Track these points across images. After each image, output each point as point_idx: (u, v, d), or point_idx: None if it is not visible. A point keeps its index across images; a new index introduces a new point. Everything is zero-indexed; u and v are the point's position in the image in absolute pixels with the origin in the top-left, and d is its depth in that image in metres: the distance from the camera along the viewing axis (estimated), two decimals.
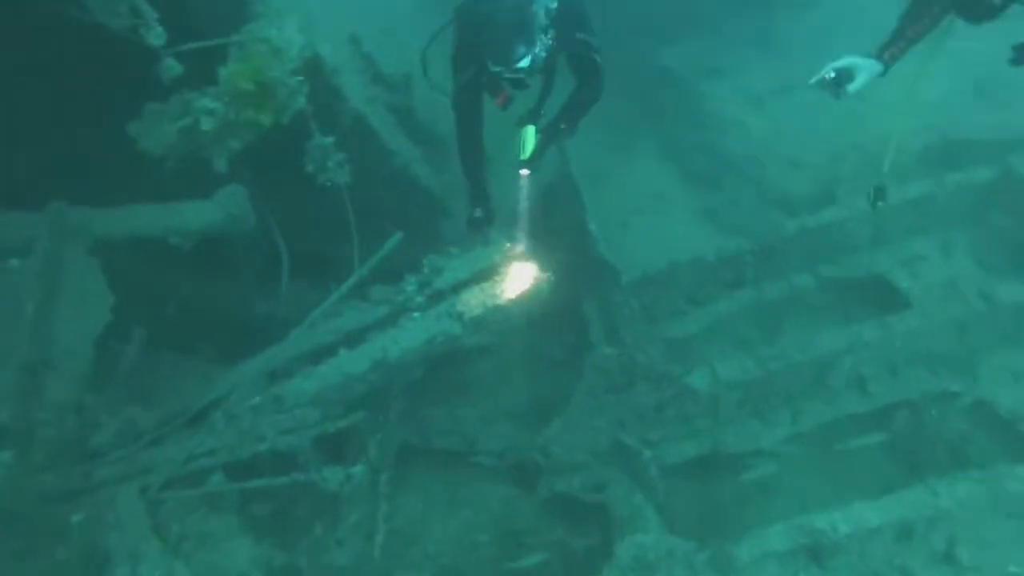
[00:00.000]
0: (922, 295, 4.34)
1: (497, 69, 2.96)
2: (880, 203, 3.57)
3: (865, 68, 3.03)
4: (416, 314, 3.51)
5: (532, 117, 3.27)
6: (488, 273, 3.52)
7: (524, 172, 3.31)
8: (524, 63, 2.94)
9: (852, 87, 3.04)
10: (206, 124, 2.76)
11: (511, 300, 3.33)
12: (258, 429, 3.43)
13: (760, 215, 5.64)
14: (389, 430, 4.08)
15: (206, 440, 3.50)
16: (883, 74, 3.01)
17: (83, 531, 3.29)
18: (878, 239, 4.71)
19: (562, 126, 3.30)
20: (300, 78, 3.29)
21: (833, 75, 3.06)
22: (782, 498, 4.23)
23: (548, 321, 4.10)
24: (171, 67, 2.75)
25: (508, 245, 3.56)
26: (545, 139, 3.29)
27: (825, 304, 4.87)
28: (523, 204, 3.35)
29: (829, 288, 4.74)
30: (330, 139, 3.58)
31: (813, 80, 3.13)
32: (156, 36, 2.60)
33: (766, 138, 5.81)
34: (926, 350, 4.02)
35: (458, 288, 3.52)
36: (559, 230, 4.88)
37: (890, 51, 2.97)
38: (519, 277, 3.39)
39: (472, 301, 3.35)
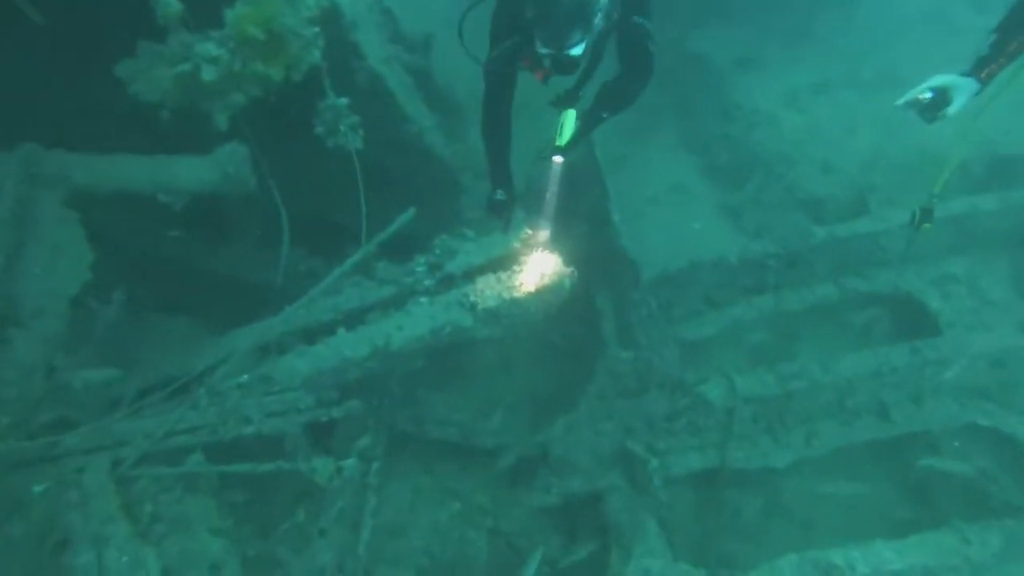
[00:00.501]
0: (953, 319, 4.12)
1: (546, 52, 2.65)
2: (926, 225, 3.31)
3: (964, 89, 2.68)
4: (424, 299, 3.23)
5: (571, 100, 2.97)
6: (506, 261, 3.25)
7: (557, 159, 3.01)
8: (578, 50, 2.64)
9: (951, 110, 2.71)
10: (207, 73, 2.44)
11: (530, 294, 3.06)
12: (244, 410, 3.17)
13: (784, 217, 5.37)
14: (383, 416, 3.84)
15: (187, 416, 3.24)
16: (978, 94, 2.68)
17: (44, 505, 3.04)
18: (909, 255, 4.46)
19: (604, 115, 3.00)
20: (316, 29, 2.96)
21: (930, 96, 2.73)
22: (787, 523, 4.05)
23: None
24: (168, 3, 2.42)
25: (529, 233, 3.28)
26: (584, 127, 2.99)
27: (847, 318, 4.65)
28: (550, 191, 3.06)
29: (852, 302, 4.51)
30: (344, 100, 3.26)
31: (903, 100, 2.75)
32: None
33: (797, 137, 5.51)
34: (955, 380, 3.81)
35: (471, 274, 3.24)
36: (575, 214, 4.61)
37: (989, 68, 2.63)
38: (540, 269, 3.11)
39: (487, 291, 3.08)
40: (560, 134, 2.97)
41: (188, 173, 2.77)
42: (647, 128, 6.55)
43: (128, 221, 3.20)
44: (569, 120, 2.95)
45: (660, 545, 3.60)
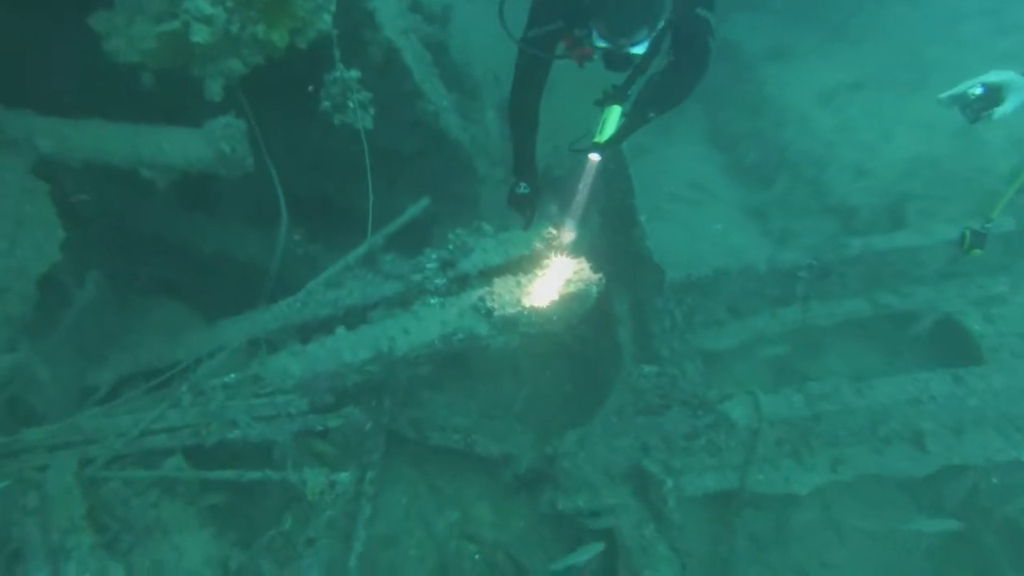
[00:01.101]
0: (996, 343, 3.84)
1: (603, 45, 2.33)
2: (977, 251, 3.01)
3: (1020, 89, 2.41)
4: (434, 300, 2.92)
5: (619, 96, 2.64)
6: (526, 263, 2.93)
7: (594, 157, 2.68)
8: (640, 48, 2.33)
9: (1000, 112, 2.41)
10: (199, 34, 2.09)
11: (552, 301, 2.75)
12: (229, 412, 2.87)
13: (812, 223, 5.07)
14: (381, 420, 3.55)
15: (167, 415, 2.94)
16: None
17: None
18: (949, 272, 4.18)
19: (651, 114, 2.68)
20: None
21: (980, 92, 2.42)
22: (802, 549, 3.80)
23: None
24: None
25: (554, 233, 2.96)
26: (628, 125, 2.67)
27: (876, 336, 4.37)
28: (582, 190, 2.74)
29: (885, 319, 4.23)
30: (355, 73, 2.92)
31: (947, 95, 2.47)
32: None
33: (831, 137, 5.18)
34: (1001, 411, 3.53)
35: (488, 276, 2.93)
36: (593, 206, 4.30)
37: None
38: (565, 275, 2.80)
39: (505, 296, 2.77)
40: (601, 130, 2.64)
41: (175, 147, 2.43)
42: (669, 118, 6.21)
43: (107, 196, 2.86)
44: (613, 116, 2.62)
45: (671, 571, 3.34)
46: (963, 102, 2.44)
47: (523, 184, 2.88)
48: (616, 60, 2.42)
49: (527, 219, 2.92)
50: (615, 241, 4.22)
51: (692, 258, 5.03)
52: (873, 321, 4.31)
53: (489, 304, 2.72)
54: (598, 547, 3.32)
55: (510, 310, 2.70)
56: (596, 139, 2.64)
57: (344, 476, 2.90)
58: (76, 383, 3.08)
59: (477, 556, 3.63)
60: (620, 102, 2.61)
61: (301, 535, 3.17)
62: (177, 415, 2.85)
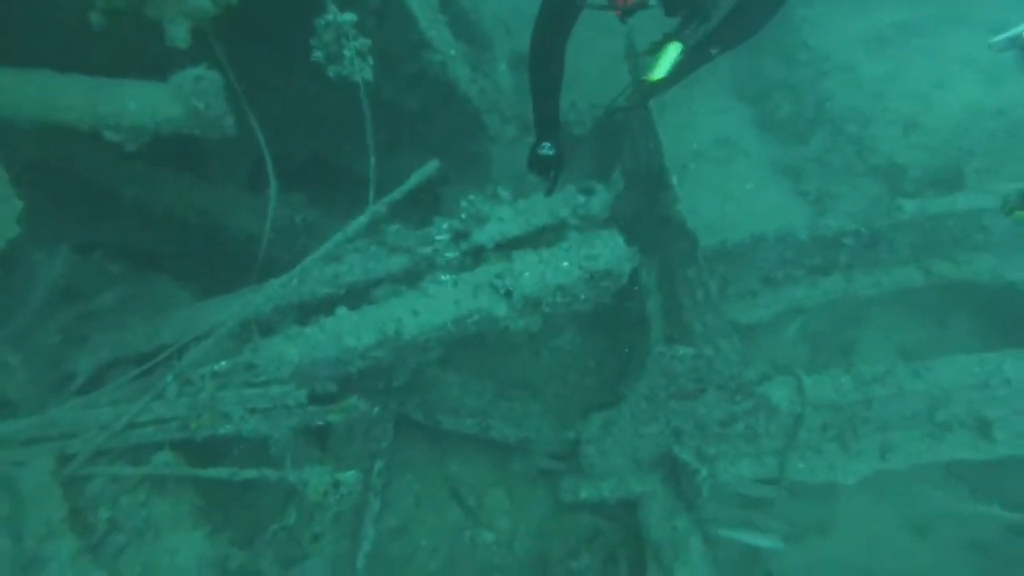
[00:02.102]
0: None
1: None
2: (1020, 212, 2.67)
3: None
4: (445, 276, 2.60)
5: (678, 33, 2.26)
6: (550, 235, 2.59)
7: (644, 91, 2.31)
8: None
9: None
10: None
11: (580, 278, 2.42)
12: (221, 404, 2.59)
13: (853, 183, 4.67)
14: (389, 405, 3.27)
15: (153, 407, 2.66)
16: None
17: None
18: (1015, 240, 3.79)
19: (713, 51, 2.31)
20: None
21: None
22: (840, 539, 3.52)
23: None
24: None
25: (582, 200, 2.61)
26: (687, 64, 2.29)
27: (927, 308, 4.02)
28: (630, 147, 2.39)
29: (939, 290, 3.87)
30: (350, 16, 2.54)
31: (1001, 37, 2.25)
32: None
33: (878, 88, 4.71)
34: None
35: (506, 248, 2.59)
36: (615, 162, 3.93)
37: None
38: (594, 247, 2.46)
39: (525, 272, 2.43)
40: (656, 67, 2.26)
41: (140, 104, 2.08)
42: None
43: (73, 158, 2.52)
44: (671, 53, 2.24)
45: (704, 566, 3.08)
46: (1020, 44, 2.17)
47: (546, 144, 2.52)
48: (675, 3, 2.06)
49: (550, 184, 2.58)
50: (641, 205, 3.86)
51: (722, 222, 4.67)
52: (921, 292, 3.96)
53: (508, 283, 2.39)
54: (777, 543, 3.08)
55: (531, 288, 2.38)
56: (648, 77, 2.26)
57: (349, 475, 2.62)
58: (53, 369, 2.80)
59: (493, 545, 3.39)
60: (681, 39, 2.24)
61: (306, 531, 2.93)
62: (164, 407, 2.57)
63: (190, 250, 3.41)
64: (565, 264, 2.46)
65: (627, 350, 3.74)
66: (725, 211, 4.87)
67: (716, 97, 5.91)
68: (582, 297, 2.45)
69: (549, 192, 2.63)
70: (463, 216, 2.73)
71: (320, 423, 2.53)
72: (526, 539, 3.40)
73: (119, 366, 2.77)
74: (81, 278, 3.09)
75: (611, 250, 2.53)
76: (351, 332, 2.56)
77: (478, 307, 2.40)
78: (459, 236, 2.68)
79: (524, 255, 2.50)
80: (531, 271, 2.43)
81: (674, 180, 3.38)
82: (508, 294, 2.37)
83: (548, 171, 2.57)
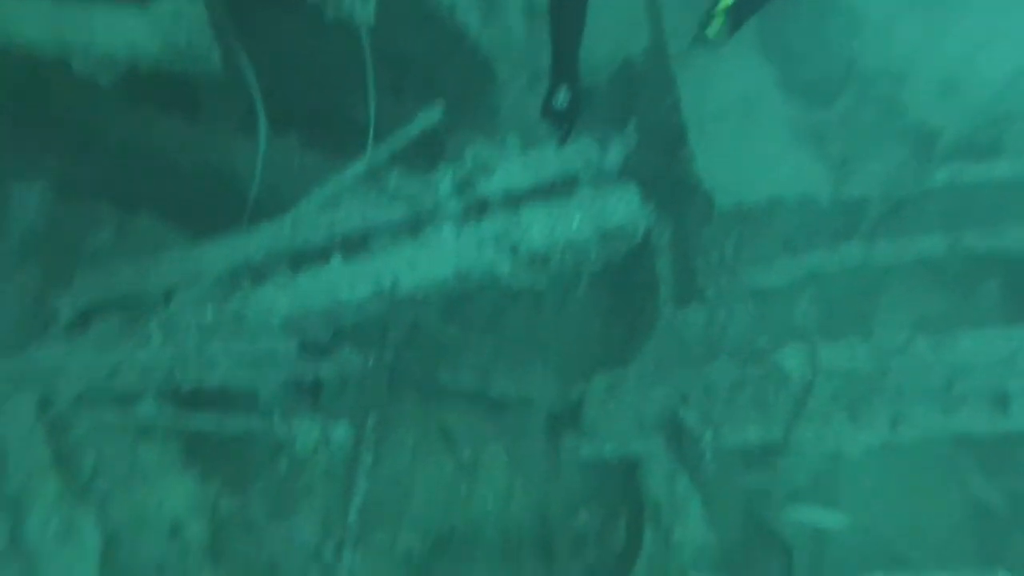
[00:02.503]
0: None
1: None
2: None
3: None
4: (447, 226, 2.45)
5: None
6: (561, 188, 2.43)
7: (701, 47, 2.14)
8: None
9: None
10: None
11: (592, 236, 2.27)
12: (207, 354, 2.48)
13: (881, 148, 4.45)
14: (383, 358, 3.16)
15: (136, 354, 2.55)
16: None
17: None
18: None
19: None
20: None
21: None
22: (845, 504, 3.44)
23: None
24: None
25: (597, 153, 2.44)
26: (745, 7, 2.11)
27: (953, 279, 3.86)
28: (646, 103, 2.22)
29: (967, 261, 3.71)
30: None
31: None
32: None
33: (913, 46, 4.44)
34: None
35: (513, 201, 2.44)
36: (630, 116, 3.75)
37: None
38: (608, 203, 2.31)
39: (533, 227, 2.29)
40: (713, 18, 2.08)
41: (112, 32, 1.90)
42: None
43: (44, 90, 2.36)
44: None
45: (703, 528, 3.00)
46: None
47: (563, 89, 2.35)
48: None
49: (564, 133, 2.41)
50: (655, 162, 3.68)
51: (741, 183, 4.48)
52: (948, 262, 3.80)
53: (514, 237, 2.25)
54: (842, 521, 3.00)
55: (539, 244, 2.23)
56: (707, 30, 2.07)
57: (340, 430, 2.53)
58: (34, 310, 2.69)
59: (489, 502, 3.33)
60: None
61: (297, 482, 2.85)
62: (149, 354, 2.47)
63: (179, 192, 3.27)
64: (576, 220, 2.31)
65: (635, 311, 3.62)
66: (744, 172, 4.67)
67: (737, 55, 5.63)
68: (592, 256, 2.31)
69: (562, 142, 2.47)
70: (468, 165, 2.57)
71: (311, 376, 2.43)
72: (524, 497, 3.34)
73: (104, 309, 2.66)
74: (65, 217, 2.97)
75: (626, 206, 2.38)
76: (345, 284, 2.43)
77: (481, 262, 2.26)
78: (463, 186, 2.52)
79: (532, 208, 2.36)
80: (539, 226, 2.29)
81: (691, 138, 3.21)
82: (514, 250, 2.23)
83: (563, 119, 2.40)
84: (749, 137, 5.23)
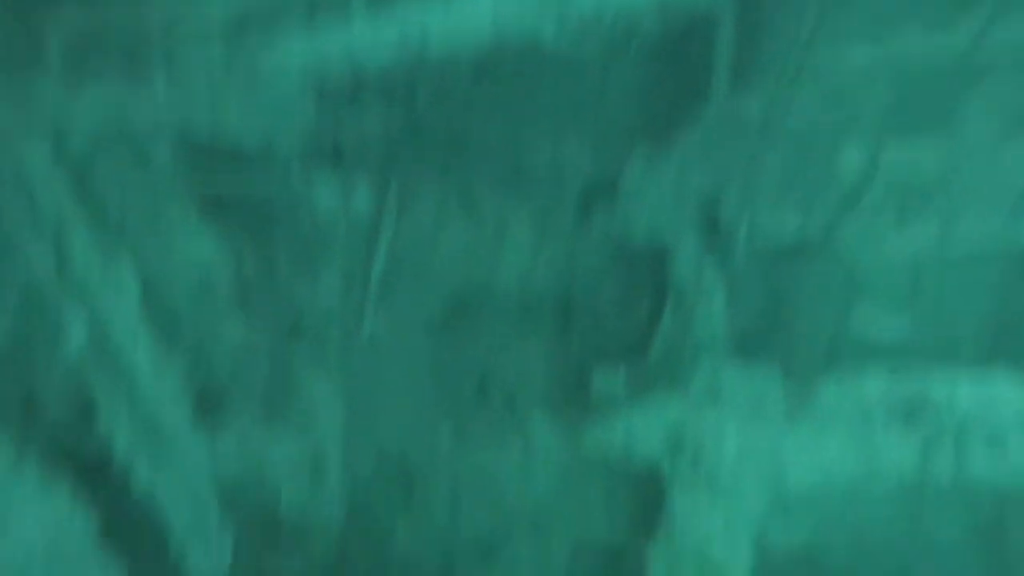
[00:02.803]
0: None
1: None
2: None
3: None
4: None
5: None
6: None
7: None
8: None
9: None
10: None
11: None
12: (218, 101, 2.30)
13: None
14: (408, 115, 2.94)
15: (141, 95, 2.38)
16: None
17: None
18: None
19: None
20: None
21: None
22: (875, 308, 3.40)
23: None
24: None
25: None
26: None
27: None
28: None
29: None
30: None
31: None
32: None
33: None
34: None
35: None
36: None
37: None
38: None
39: None
40: None
41: None
42: None
43: None
44: None
45: (724, 318, 3.04)
46: None
47: None
48: None
49: None
50: None
51: None
52: None
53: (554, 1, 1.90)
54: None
55: (588, 9, 1.89)
56: None
57: (363, 190, 2.44)
58: (20, 45, 2.47)
59: (512, 273, 3.35)
60: None
61: (319, 242, 2.85)
62: (155, 98, 2.30)
63: None
64: None
65: (686, 87, 3.25)
66: None
67: None
68: (647, 25, 1.97)
69: None
70: None
71: (330, 132, 2.28)
72: (547, 269, 3.34)
73: (99, 46, 2.43)
74: None
75: None
76: (368, 34, 2.15)
77: (522, 25, 1.95)
78: None
79: None
80: None
81: None
82: (559, 13, 1.90)
83: None
84: None
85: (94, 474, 2.03)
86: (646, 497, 2.26)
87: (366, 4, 2.16)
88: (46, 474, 2.00)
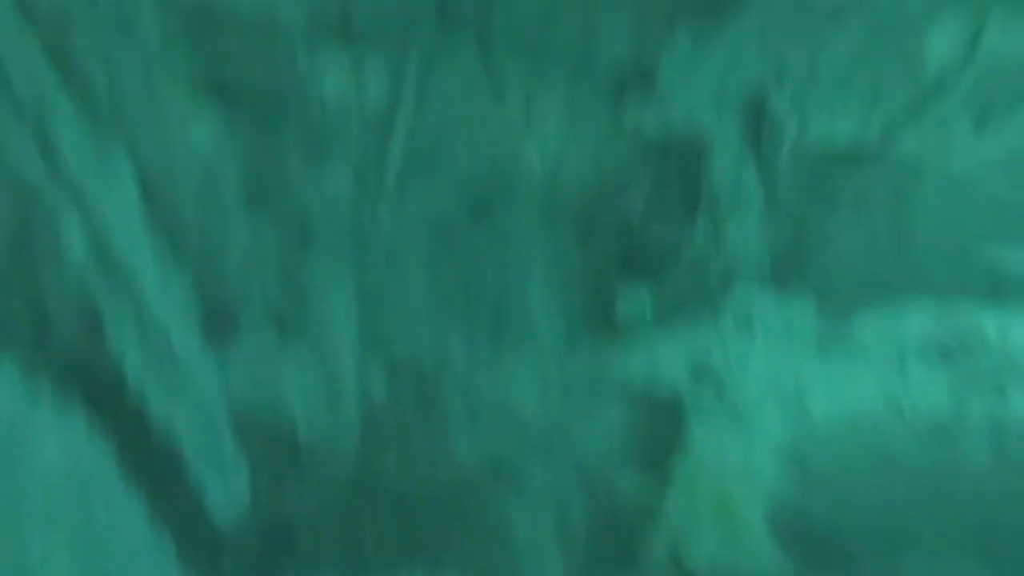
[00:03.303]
0: None
1: None
2: None
3: None
4: None
5: None
6: None
7: None
8: None
9: None
10: None
11: None
12: None
13: None
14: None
15: None
16: None
17: None
18: None
19: None
20: None
21: None
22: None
23: None
24: None
25: None
26: None
27: None
28: None
29: None
30: None
31: None
32: None
33: None
34: None
35: None
36: None
37: None
38: None
39: None
40: None
41: None
42: None
43: None
44: None
45: (759, 232, 2.82)
46: None
47: None
48: None
49: None
50: None
51: None
52: None
53: None
54: None
55: None
56: None
57: (377, 69, 2.21)
58: None
59: (536, 162, 3.12)
60: None
61: (329, 129, 2.64)
62: None
63: None
64: None
65: None
66: None
67: None
68: None
69: None
70: None
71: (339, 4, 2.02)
72: (573, 163, 3.09)
73: None
74: None
75: None
76: None
77: None
78: None
79: None
80: None
81: None
82: None
83: None
84: None
85: (108, 400, 2.01)
86: (666, 426, 2.21)
87: None
88: (60, 400, 1.98)
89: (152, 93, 2.26)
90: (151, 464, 2.04)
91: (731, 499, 2.19)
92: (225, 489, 2.10)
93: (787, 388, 2.10)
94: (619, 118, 2.92)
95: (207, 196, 2.27)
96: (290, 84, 2.44)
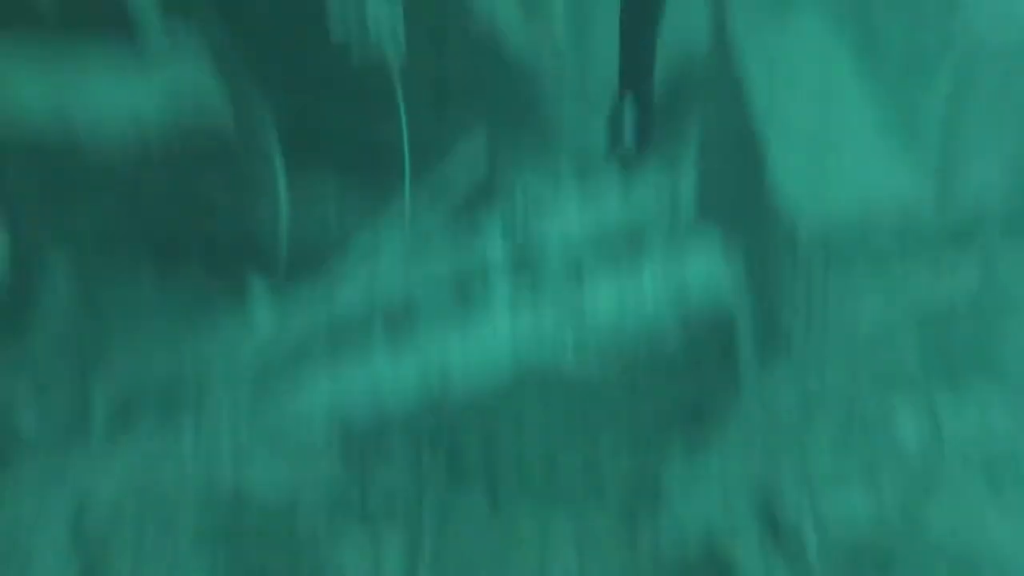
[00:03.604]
0: None
1: None
2: None
3: None
4: (500, 302, 2.10)
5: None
6: (628, 242, 2.06)
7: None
8: None
9: None
10: None
11: (670, 318, 1.90)
12: (243, 451, 2.22)
13: (995, 145, 3.87)
14: (436, 450, 2.83)
15: (170, 451, 2.31)
16: None
17: None
18: None
19: None
20: None
21: None
22: None
23: None
24: None
25: (672, 195, 2.06)
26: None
27: None
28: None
29: None
30: None
31: None
32: None
33: None
34: None
35: (576, 265, 2.07)
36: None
37: None
38: (686, 265, 1.93)
39: (599, 303, 1.93)
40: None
41: (107, 92, 1.59)
42: None
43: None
44: None
45: None
46: None
47: (630, 95, 1.93)
48: None
49: (630, 152, 2.00)
50: (721, 178, 3.24)
51: (818, 197, 3.93)
52: None
53: (572, 323, 1.89)
54: None
55: (606, 334, 1.88)
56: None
57: (394, 552, 2.26)
58: (66, 401, 2.47)
59: None
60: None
61: None
62: (182, 453, 2.22)
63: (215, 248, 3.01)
64: (649, 292, 1.94)
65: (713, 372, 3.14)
66: (826, 183, 4.12)
67: (803, 19, 4.96)
68: (671, 342, 1.94)
69: (628, 164, 2.06)
70: (517, 206, 2.20)
71: (358, 483, 2.15)
72: None
73: (142, 399, 2.42)
74: (94, 277, 2.72)
75: (707, 267, 1.99)
76: (389, 372, 2.13)
77: (541, 356, 1.92)
78: (511, 230, 2.16)
79: (597, 280, 1.99)
80: (606, 304, 1.93)
81: (771, 152, 2.76)
82: (578, 340, 1.89)
83: (630, 138, 1.99)
84: (826, 132, 4.66)
85: None
86: None
87: (386, 338, 2.16)
88: None
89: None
90: None
91: None
92: None
93: None
94: (633, 539, 2.88)
95: None
96: (311, 561, 2.47)
